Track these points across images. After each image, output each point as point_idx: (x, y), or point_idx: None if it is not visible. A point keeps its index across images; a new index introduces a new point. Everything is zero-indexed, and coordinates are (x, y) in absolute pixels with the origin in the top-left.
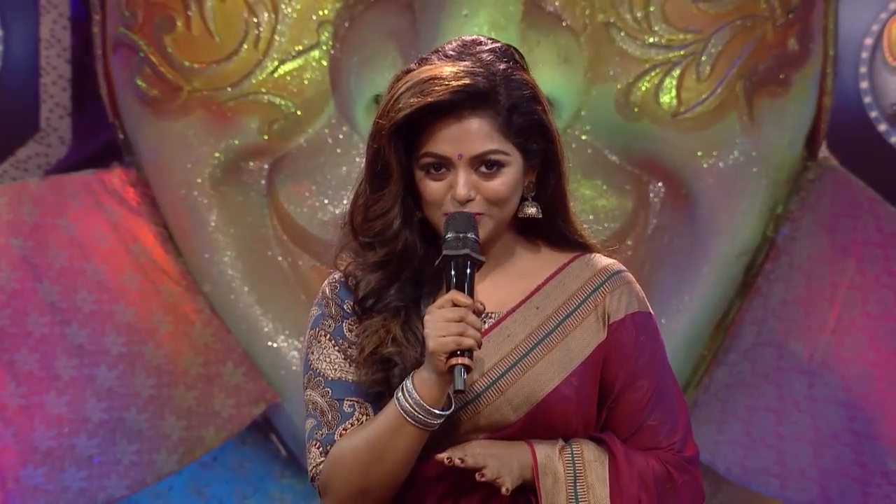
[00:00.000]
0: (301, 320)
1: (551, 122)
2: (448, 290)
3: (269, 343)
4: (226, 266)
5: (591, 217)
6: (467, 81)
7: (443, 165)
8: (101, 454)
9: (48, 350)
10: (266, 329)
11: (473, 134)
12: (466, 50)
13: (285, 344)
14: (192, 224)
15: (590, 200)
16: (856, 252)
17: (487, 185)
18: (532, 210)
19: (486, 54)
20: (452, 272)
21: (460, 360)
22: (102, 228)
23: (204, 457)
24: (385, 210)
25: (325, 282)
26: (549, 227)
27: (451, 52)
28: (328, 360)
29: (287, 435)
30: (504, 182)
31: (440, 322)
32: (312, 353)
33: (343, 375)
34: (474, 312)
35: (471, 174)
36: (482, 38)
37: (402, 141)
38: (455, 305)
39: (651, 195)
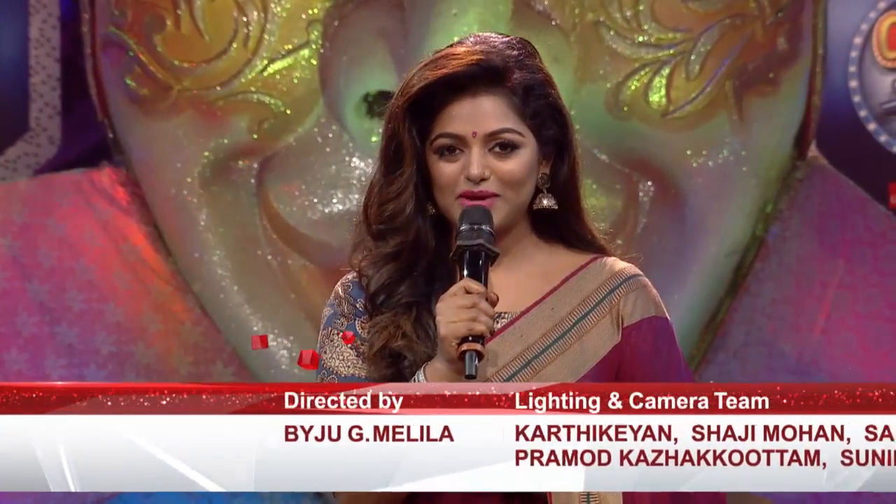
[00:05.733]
0: (291, 319)
1: (566, 108)
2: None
3: None
4: (215, 265)
5: None
6: (481, 57)
7: (456, 147)
8: None
9: (37, 349)
10: (255, 328)
11: (488, 112)
12: (480, 40)
13: (275, 343)
14: (182, 223)
15: None
16: (845, 251)
17: (502, 166)
18: (548, 202)
19: (500, 43)
20: (466, 262)
21: (472, 345)
22: (92, 228)
23: None
24: (398, 191)
25: (339, 282)
26: (564, 225)
27: (466, 42)
28: (341, 357)
29: None
30: (519, 163)
31: (452, 308)
32: (325, 352)
33: (356, 372)
34: (487, 301)
35: (485, 153)
36: (495, 35)
37: (417, 125)
38: (468, 293)
39: (641, 194)
